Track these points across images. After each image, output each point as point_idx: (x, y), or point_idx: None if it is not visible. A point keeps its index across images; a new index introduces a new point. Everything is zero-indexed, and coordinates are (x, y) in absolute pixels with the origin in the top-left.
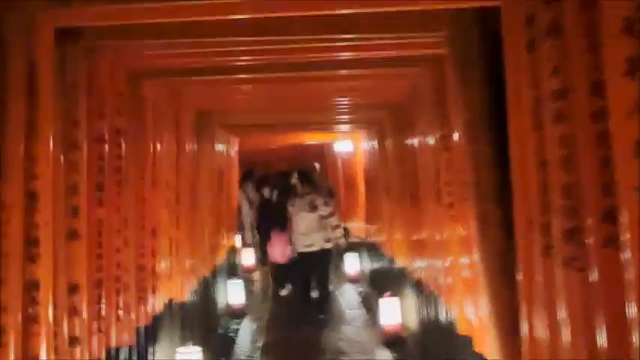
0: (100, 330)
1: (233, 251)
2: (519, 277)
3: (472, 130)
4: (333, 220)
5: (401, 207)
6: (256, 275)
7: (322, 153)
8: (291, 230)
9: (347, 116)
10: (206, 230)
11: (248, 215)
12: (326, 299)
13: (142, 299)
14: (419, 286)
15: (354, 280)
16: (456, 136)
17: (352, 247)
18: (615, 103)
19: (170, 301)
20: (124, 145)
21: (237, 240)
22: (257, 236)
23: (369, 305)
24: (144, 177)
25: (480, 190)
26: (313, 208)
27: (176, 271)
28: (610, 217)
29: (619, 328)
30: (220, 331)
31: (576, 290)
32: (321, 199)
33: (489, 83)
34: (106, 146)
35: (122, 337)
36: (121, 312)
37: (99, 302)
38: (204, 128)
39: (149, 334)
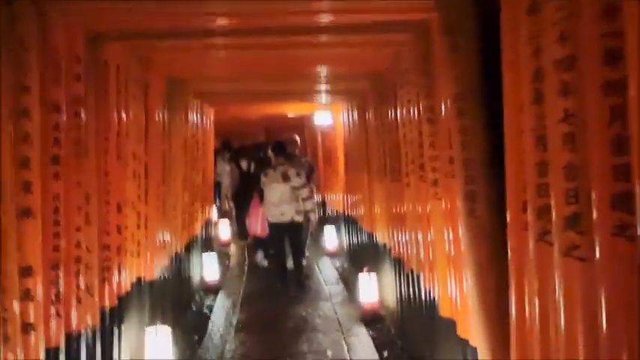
0: (58, 314)
1: (208, 225)
2: (510, 262)
3: (461, 102)
4: (305, 192)
5: (381, 182)
6: (232, 249)
7: (302, 125)
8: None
9: (327, 86)
10: (179, 204)
11: (225, 187)
12: (301, 271)
13: (106, 279)
14: (399, 263)
15: (332, 255)
16: (443, 109)
17: (330, 221)
18: (637, 74)
19: (139, 279)
20: (83, 115)
21: (214, 213)
22: (234, 209)
23: (347, 281)
24: (108, 149)
25: (469, 168)
26: (286, 178)
27: (145, 248)
28: (621, 203)
29: (621, 321)
30: (194, 308)
31: (575, 280)
32: (294, 170)
33: (482, 51)
34: (63, 115)
35: (84, 321)
36: (82, 294)
37: (56, 285)
38: (176, 97)
39: (115, 316)
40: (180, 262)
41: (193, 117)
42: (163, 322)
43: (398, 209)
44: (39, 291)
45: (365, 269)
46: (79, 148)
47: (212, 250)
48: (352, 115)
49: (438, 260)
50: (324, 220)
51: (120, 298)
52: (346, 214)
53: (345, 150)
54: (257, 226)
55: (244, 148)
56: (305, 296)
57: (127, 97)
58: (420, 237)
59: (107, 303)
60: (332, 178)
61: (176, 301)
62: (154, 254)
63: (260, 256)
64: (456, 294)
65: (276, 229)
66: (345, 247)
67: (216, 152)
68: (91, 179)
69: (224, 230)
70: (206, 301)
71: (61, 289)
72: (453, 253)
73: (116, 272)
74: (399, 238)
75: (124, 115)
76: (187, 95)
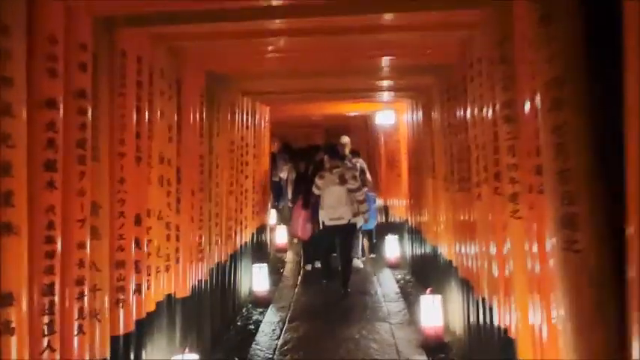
0: (51, 348)
1: (263, 230)
2: (634, 321)
3: (557, 91)
4: (360, 194)
5: (448, 190)
6: (289, 255)
7: (364, 125)
8: (312, 205)
9: (389, 82)
10: (222, 211)
11: (289, 190)
12: (348, 273)
13: (120, 302)
14: (467, 287)
15: (393, 266)
16: (527, 105)
17: (393, 229)
18: None
19: (168, 297)
20: (90, 112)
21: (272, 217)
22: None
23: (409, 298)
24: (124, 152)
25: (567, 182)
26: (342, 181)
27: (176, 261)
28: None
29: None
30: (239, 323)
31: None
32: (350, 173)
33: (587, 23)
34: (59, 113)
35: (91, 352)
36: (85, 322)
37: (50, 314)
38: (218, 94)
39: (130, 343)
40: (223, 275)
41: (243, 117)
42: (198, 344)
43: (466, 224)
44: (23, 323)
45: (428, 290)
46: (83, 151)
47: (265, 258)
48: (416, 115)
49: (517, 297)
50: (386, 228)
51: (139, 322)
52: (410, 222)
53: (408, 152)
54: (298, 229)
55: (302, 150)
56: (361, 313)
57: (151, 93)
58: (494, 263)
59: (121, 329)
60: (394, 183)
61: (215, 319)
62: (187, 268)
63: (311, 262)
64: (540, 344)
65: (332, 231)
66: (408, 258)
67: (276, 154)
68: (102, 187)
69: (281, 235)
70: (253, 316)
71: (56, 318)
72: (538, 291)
73: (134, 292)
74: (468, 258)
75: (147, 114)
76: (233, 92)
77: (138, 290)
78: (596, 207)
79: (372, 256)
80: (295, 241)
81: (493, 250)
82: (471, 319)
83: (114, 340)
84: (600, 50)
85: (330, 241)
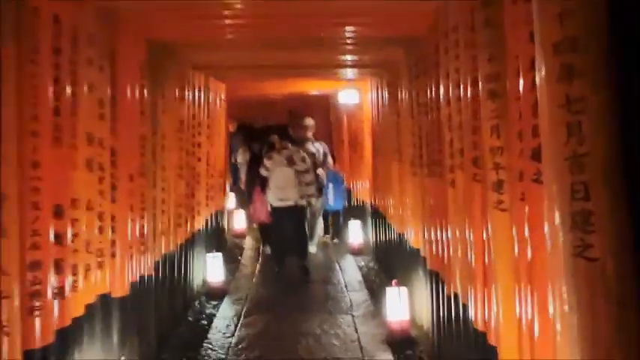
0: None
1: (219, 215)
2: None
3: (570, 56)
4: (308, 177)
5: (415, 174)
6: (248, 241)
7: (327, 105)
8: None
9: (353, 56)
10: (170, 197)
11: (242, 173)
12: (305, 257)
13: (36, 310)
14: (436, 279)
15: (356, 252)
16: (521, 77)
17: (356, 213)
18: None
19: (103, 297)
20: None
21: (231, 201)
22: (246, 194)
23: (372, 287)
24: (38, 131)
25: (581, 171)
26: (290, 162)
27: (111, 257)
28: None
29: None
30: (190, 319)
31: None
32: (299, 155)
33: None
34: None
35: None
36: None
37: None
38: (164, 67)
39: (50, 357)
40: (172, 267)
41: (194, 93)
42: (141, 346)
43: (437, 213)
44: None
45: (393, 282)
46: None
47: (222, 245)
48: (381, 93)
49: (499, 298)
50: (348, 212)
51: (62, 332)
52: (373, 206)
53: (372, 134)
54: (261, 212)
55: (257, 130)
56: (322, 305)
57: (75, 61)
58: (470, 258)
59: (38, 341)
60: (358, 165)
61: (163, 316)
62: (126, 263)
63: (267, 246)
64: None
65: (279, 213)
66: (372, 244)
67: (233, 135)
68: (8, 173)
69: (239, 220)
70: (207, 309)
71: None
72: (526, 297)
73: (54, 297)
74: (438, 250)
75: (69, 86)
76: (182, 66)
77: (59, 294)
78: (617, 204)
79: (335, 241)
80: (255, 225)
81: (470, 243)
82: (441, 315)
83: (28, 355)
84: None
85: (281, 226)
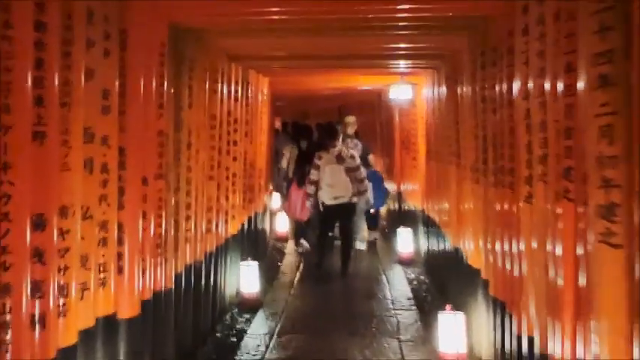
0: None
1: (259, 218)
2: None
3: None
4: (359, 173)
5: (478, 182)
6: (290, 245)
7: (379, 102)
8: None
9: (408, 44)
10: (199, 201)
11: (289, 171)
12: (348, 256)
13: (2, 344)
14: (501, 309)
15: (406, 263)
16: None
17: (406, 219)
18: None
19: (107, 319)
20: None
21: (274, 202)
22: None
23: (423, 305)
24: (11, 124)
25: None
26: (340, 160)
27: (118, 272)
28: None
29: None
30: (218, 335)
31: None
32: (348, 152)
33: None
34: None
35: None
36: None
37: None
38: (192, 55)
39: None
40: (198, 278)
41: (230, 87)
42: None
43: (504, 230)
44: None
45: (448, 307)
46: None
47: (262, 250)
48: (438, 88)
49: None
50: (397, 217)
51: None
52: (425, 212)
53: (426, 134)
54: (297, 209)
55: (304, 128)
56: (365, 325)
57: (69, 41)
58: (554, 296)
59: None
60: (409, 167)
61: (186, 332)
62: (137, 278)
63: (304, 243)
64: None
65: (330, 211)
66: (423, 254)
67: (278, 133)
68: None
69: (282, 222)
70: (238, 324)
71: None
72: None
73: (32, 327)
74: (505, 275)
75: (58, 71)
76: (215, 55)
77: (40, 322)
78: None
79: (375, 237)
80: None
81: (555, 276)
82: (509, 354)
83: None
84: None
85: (331, 223)
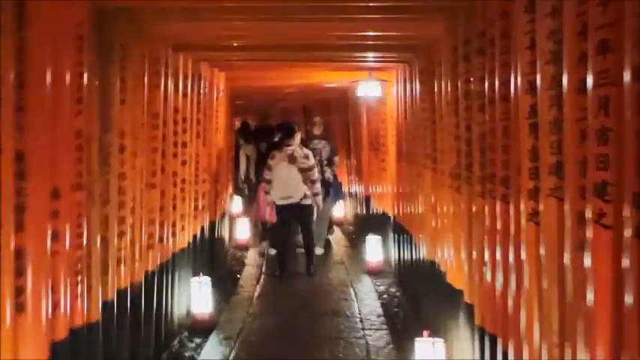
0: None
1: (216, 225)
2: None
3: None
4: (313, 174)
5: (458, 190)
6: (250, 255)
7: (346, 100)
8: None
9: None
10: (137, 213)
11: (243, 172)
12: (311, 257)
13: None
14: (490, 341)
15: (374, 272)
16: None
17: (374, 225)
18: None
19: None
20: None
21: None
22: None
23: (395, 323)
24: None
25: None
26: (292, 160)
27: (16, 312)
28: None
29: None
30: None
31: None
32: (302, 152)
33: None
34: None
35: None
36: None
37: None
38: (130, 45)
39: None
40: (135, 303)
41: (177, 81)
42: None
43: (495, 251)
44: None
45: (425, 333)
46: None
47: (218, 262)
48: (411, 84)
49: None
50: (365, 223)
51: None
52: (396, 219)
53: (397, 133)
54: (266, 211)
55: (263, 129)
56: (331, 348)
57: None
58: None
59: None
60: (378, 169)
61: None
62: (42, 318)
63: (267, 246)
64: None
65: (284, 212)
66: (394, 264)
67: (237, 133)
68: None
69: (242, 229)
70: (186, 351)
71: None
72: None
73: None
74: (495, 304)
75: None
76: (155, 44)
77: None
78: None
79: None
80: (260, 226)
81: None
82: None
83: None
84: None
85: (285, 226)
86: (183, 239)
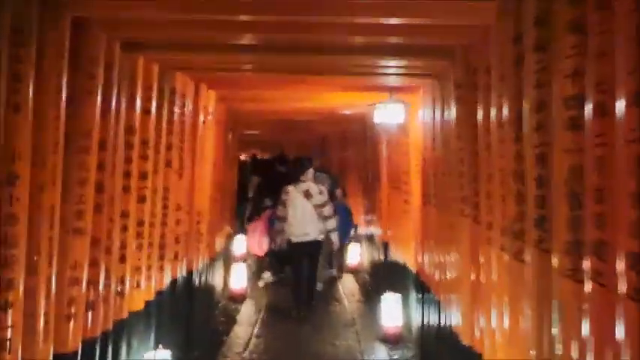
0: None
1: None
2: None
3: None
4: (326, 210)
5: (515, 254)
6: (245, 309)
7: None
8: (267, 220)
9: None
10: (41, 272)
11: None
12: (312, 295)
13: None
14: None
15: (391, 341)
16: None
17: (393, 277)
18: None
19: None
20: None
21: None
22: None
23: None
24: None
25: None
26: (308, 195)
27: None
28: None
29: None
30: None
31: None
32: (316, 188)
33: None
34: None
35: None
36: None
37: None
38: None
39: None
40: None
41: (139, 92)
42: None
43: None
44: None
45: None
46: None
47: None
48: (442, 103)
49: None
50: (383, 273)
51: None
52: (420, 276)
53: (423, 169)
54: (255, 245)
55: (267, 161)
56: None
57: None
58: None
59: None
60: (399, 211)
61: None
62: None
63: (267, 275)
64: None
65: (298, 248)
66: (415, 331)
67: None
68: None
69: (238, 276)
70: None
71: None
72: None
73: None
74: None
75: None
76: (95, 37)
77: None
78: None
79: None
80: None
81: None
82: None
83: None
84: None
85: (300, 262)
86: (138, 299)
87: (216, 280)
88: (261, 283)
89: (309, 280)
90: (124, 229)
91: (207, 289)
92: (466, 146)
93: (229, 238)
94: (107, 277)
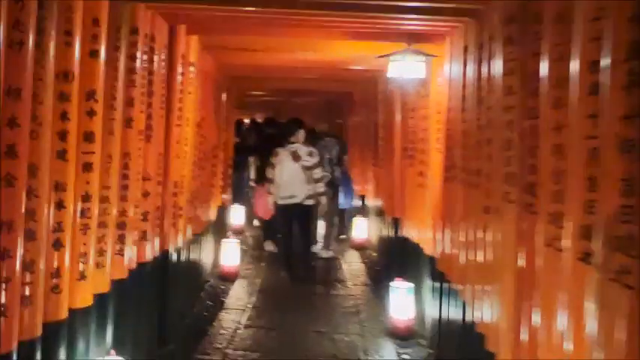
0: None
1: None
2: None
3: None
4: (316, 173)
5: (581, 258)
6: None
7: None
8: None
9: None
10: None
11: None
12: (309, 258)
13: None
14: None
15: (402, 336)
16: None
17: (402, 256)
18: None
19: None
20: None
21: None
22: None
23: None
24: None
25: None
26: (296, 157)
27: None
28: None
29: None
30: None
31: None
32: (306, 149)
33: None
34: None
35: None
36: None
37: None
38: None
39: None
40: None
41: (75, 30)
42: None
43: None
44: None
45: None
46: None
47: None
48: (479, 52)
49: None
50: (392, 252)
51: None
52: (438, 266)
53: (447, 135)
54: (261, 207)
55: (271, 123)
56: None
57: None
58: None
59: None
60: (414, 185)
61: None
62: None
63: (268, 245)
64: None
65: (283, 211)
66: (430, 326)
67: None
68: None
69: (231, 251)
70: None
71: None
72: None
73: None
74: None
75: None
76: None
77: None
78: None
79: (342, 236)
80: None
81: None
82: None
83: None
84: None
85: (287, 225)
86: (85, 293)
87: (206, 257)
88: (269, 247)
89: (303, 245)
90: (59, 205)
91: (191, 270)
92: (519, 104)
93: (223, 208)
94: (31, 271)
